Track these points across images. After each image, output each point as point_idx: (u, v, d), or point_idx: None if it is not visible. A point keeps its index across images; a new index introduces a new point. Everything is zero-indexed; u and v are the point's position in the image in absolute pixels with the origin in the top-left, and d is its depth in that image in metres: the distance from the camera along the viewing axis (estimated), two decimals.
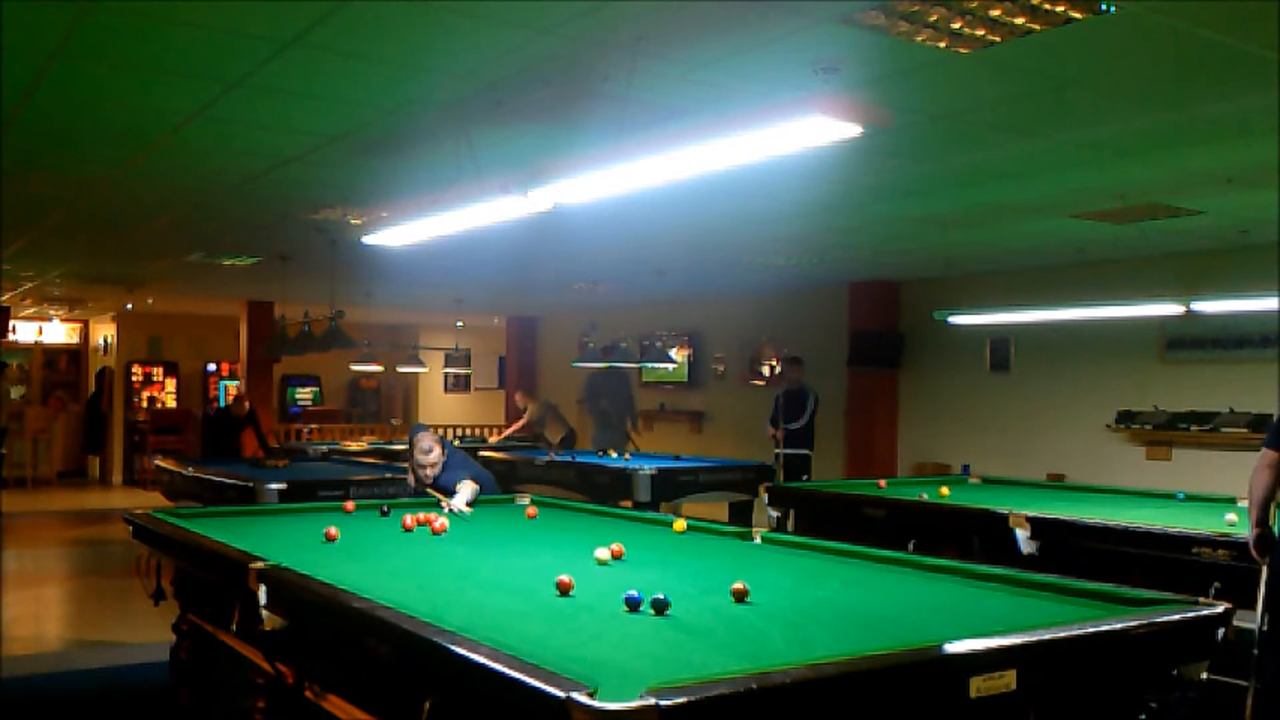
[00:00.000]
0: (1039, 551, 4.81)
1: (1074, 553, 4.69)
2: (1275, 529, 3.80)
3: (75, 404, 17.32)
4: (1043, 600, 2.94)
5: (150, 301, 13.83)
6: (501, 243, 7.93)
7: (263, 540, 3.84)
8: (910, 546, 4.46)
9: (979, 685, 2.17)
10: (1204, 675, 2.62)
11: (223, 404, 15.29)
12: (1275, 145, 4.96)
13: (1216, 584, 4.05)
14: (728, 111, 3.43)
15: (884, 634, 2.49)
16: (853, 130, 3.26)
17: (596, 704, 1.77)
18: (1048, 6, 3.38)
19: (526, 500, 5.32)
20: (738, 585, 2.86)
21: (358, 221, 7.21)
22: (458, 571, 3.45)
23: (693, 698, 1.82)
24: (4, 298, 13.44)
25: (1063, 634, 2.42)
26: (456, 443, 10.46)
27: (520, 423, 11.83)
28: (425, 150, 5.24)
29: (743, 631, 2.53)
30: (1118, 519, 4.81)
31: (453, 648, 2.20)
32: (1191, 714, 2.58)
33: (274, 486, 6.37)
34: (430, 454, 5.34)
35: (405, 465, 5.78)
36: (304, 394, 18.18)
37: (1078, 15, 3.43)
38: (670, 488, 7.84)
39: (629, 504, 7.19)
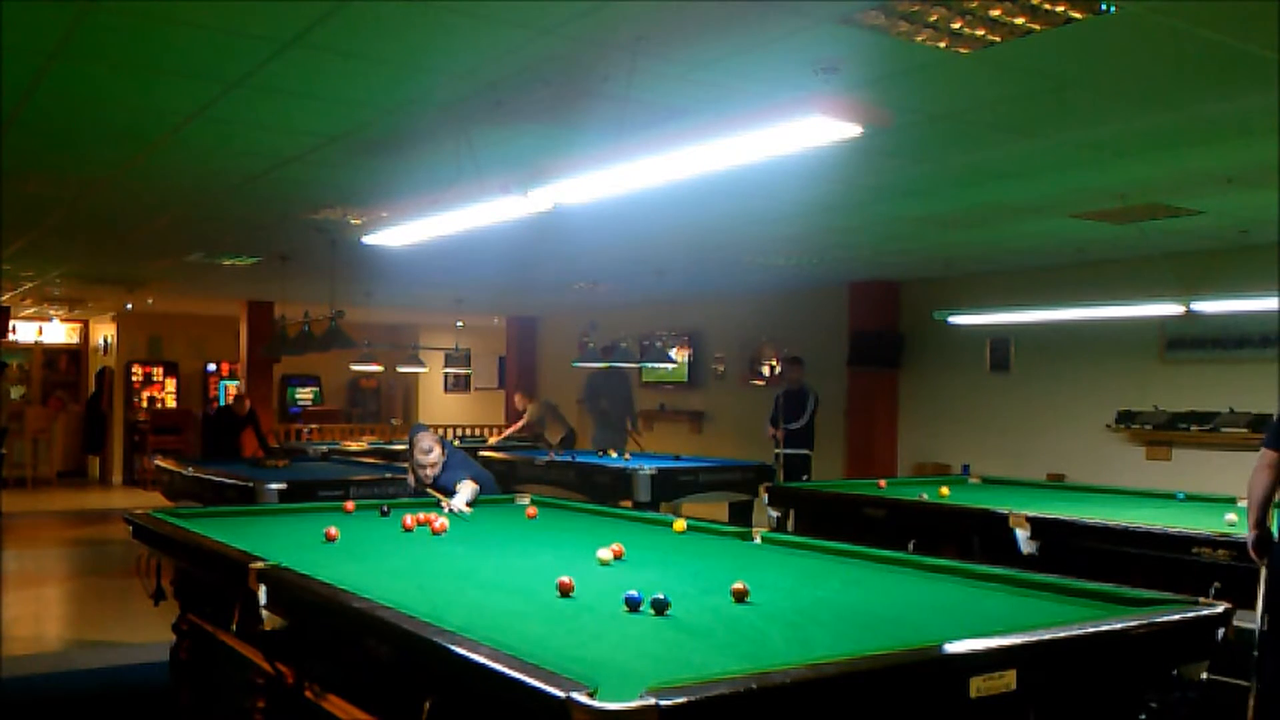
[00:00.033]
0: (1039, 551, 4.81)
1: (1074, 553, 4.69)
2: (1274, 530, 3.80)
3: (75, 404, 17.32)
4: (1043, 600, 2.94)
5: (150, 301, 13.83)
6: (501, 243, 7.93)
7: (263, 540, 3.84)
8: (910, 546, 4.46)
9: (979, 685, 2.17)
10: (1204, 675, 2.62)
11: (223, 403, 15.31)
12: (1275, 145, 4.96)
13: (1216, 584, 4.05)
14: (728, 111, 3.43)
15: (884, 634, 2.49)
16: (853, 130, 3.26)
17: (596, 704, 1.77)
18: (1048, 6, 3.38)
19: (526, 500, 5.32)
20: (738, 585, 2.86)
21: (358, 221, 7.21)
22: (458, 571, 3.45)
23: (693, 698, 1.82)
24: (4, 298, 13.44)
25: (1063, 634, 2.42)
26: (456, 443, 10.46)
27: (519, 424, 11.83)
28: (425, 150, 5.24)
29: (743, 631, 2.53)
30: (1118, 519, 4.81)
31: (453, 648, 2.20)
32: (1191, 714, 2.58)
33: (274, 486, 6.37)
34: (430, 454, 5.34)
35: (405, 465, 5.78)
36: (304, 394, 18.19)
37: (1078, 15, 3.43)
38: (670, 488, 7.84)
39: (629, 504, 7.19)
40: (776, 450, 9.55)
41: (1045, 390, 9.64)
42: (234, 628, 3.26)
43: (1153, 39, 3.69)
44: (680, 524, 4.34)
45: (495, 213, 4.72)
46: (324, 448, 10.86)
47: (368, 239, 6.04)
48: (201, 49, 3.89)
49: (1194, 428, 8.34)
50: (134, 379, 16.48)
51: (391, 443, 11.60)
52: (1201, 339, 8.46)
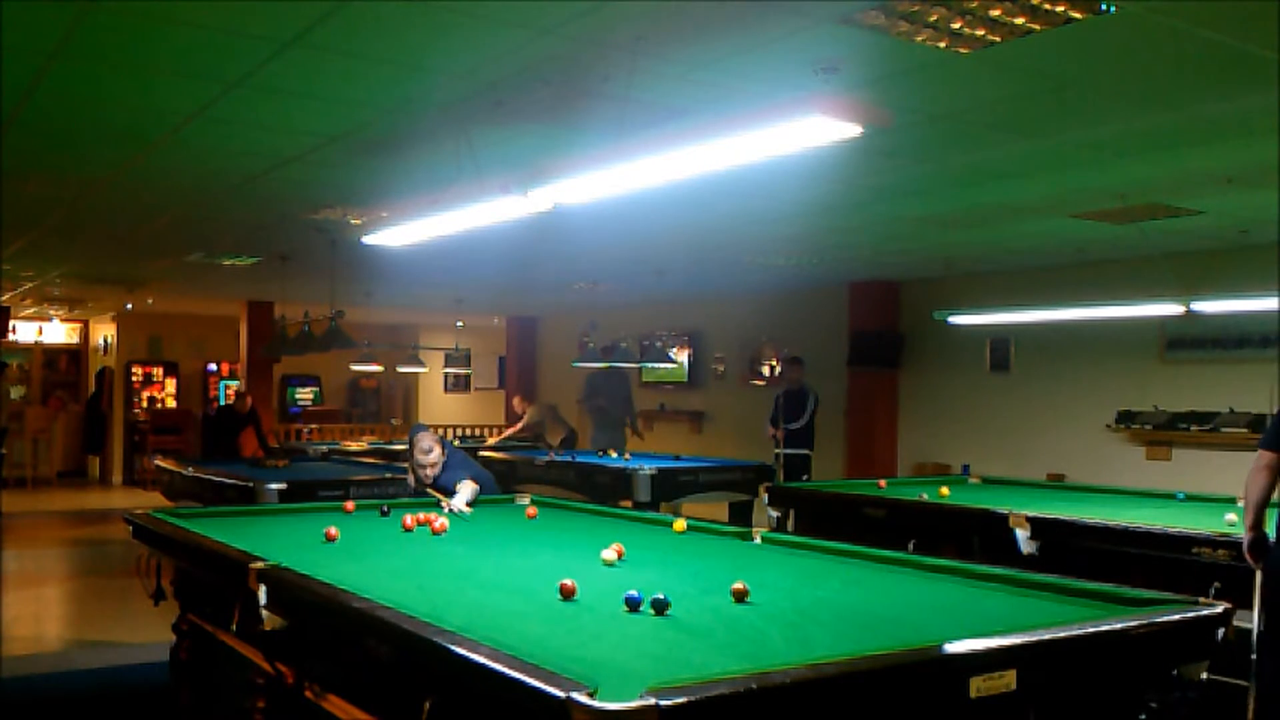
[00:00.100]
0: (1039, 551, 4.81)
1: (1074, 553, 4.69)
2: (1270, 531, 3.79)
3: (75, 404, 17.32)
4: (1043, 600, 2.94)
5: (150, 301, 13.83)
6: (501, 243, 7.93)
7: (263, 540, 3.84)
8: (910, 546, 4.46)
9: (979, 685, 2.17)
10: (1204, 675, 2.62)
11: (223, 403, 15.31)
12: (1275, 145, 4.96)
13: (1216, 584, 4.05)
14: (728, 111, 3.43)
15: (884, 634, 2.49)
16: (853, 130, 3.26)
17: (596, 704, 1.77)
18: (1048, 6, 3.38)
19: (526, 500, 5.32)
20: (738, 585, 2.86)
21: (358, 221, 7.21)
22: (458, 571, 3.45)
23: (693, 698, 1.82)
24: (4, 298, 13.44)
25: (1063, 634, 2.42)
26: (456, 443, 10.46)
27: (516, 426, 11.85)
28: (425, 150, 5.24)
29: (743, 631, 2.53)
30: (1118, 519, 4.81)
31: (453, 648, 2.20)
32: (1191, 714, 2.58)
33: (274, 486, 6.37)
34: (430, 454, 5.34)
35: (405, 465, 5.78)
36: (304, 394, 18.19)
37: (1078, 15, 3.43)
38: (670, 488, 7.84)
39: (629, 504, 7.19)
40: (776, 450, 9.54)
41: (1045, 390, 9.64)
42: (234, 628, 3.26)
43: (1153, 39, 3.69)
44: (680, 524, 4.34)
45: (495, 213, 4.72)
46: (324, 448, 10.86)
47: (368, 239, 6.04)
48: (201, 49, 3.89)
49: (1194, 428, 8.34)
50: (134, 379, 16.48)
51: (391, 443, 11.60)
52: (1201, 339, 8.46)
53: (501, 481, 6.76)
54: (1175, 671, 2.59)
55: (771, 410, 9.87)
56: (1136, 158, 5.36)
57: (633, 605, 2.71)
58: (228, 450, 10.76)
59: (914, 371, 10.85)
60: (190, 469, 7.93)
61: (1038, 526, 4.86)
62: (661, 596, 2.69)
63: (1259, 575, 3.78)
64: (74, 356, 17.84)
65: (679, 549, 3.92)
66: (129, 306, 14.40)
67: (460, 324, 15.73)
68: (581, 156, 3.92)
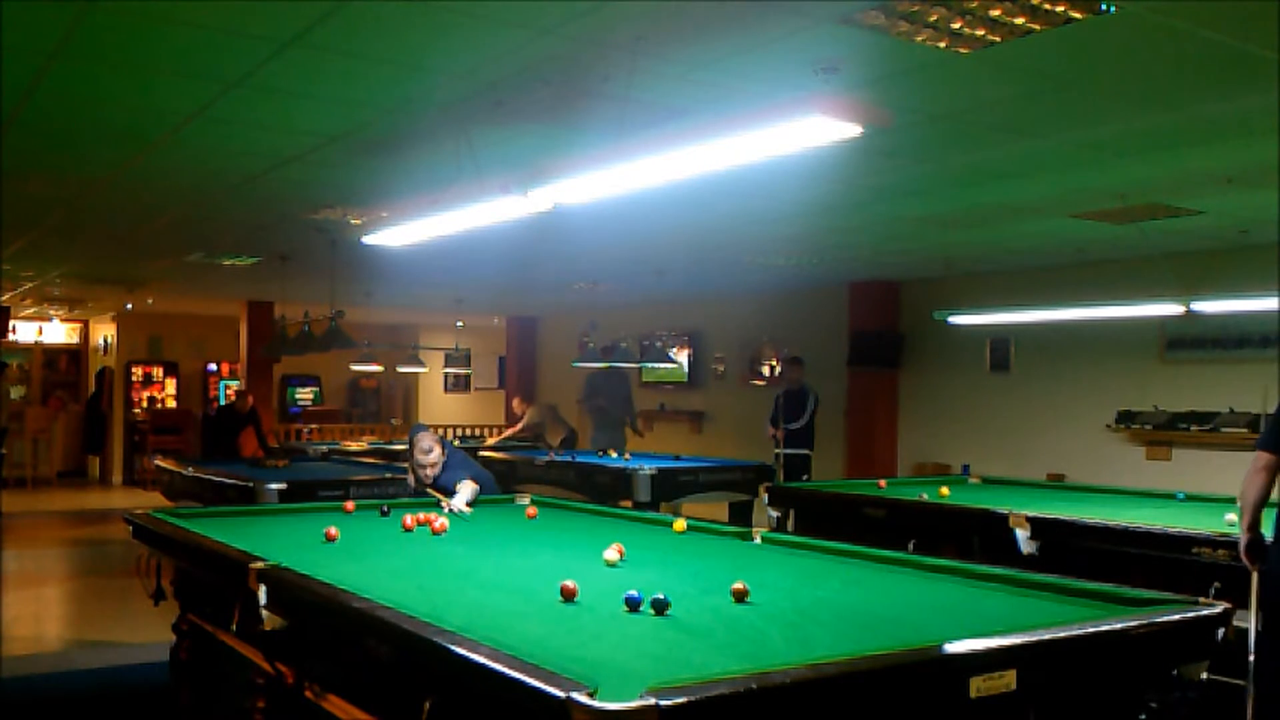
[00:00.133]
0: (1039, 551, 4.81)
1: (1074, 553, 4.69)
2: (1267, 533, 3.78)
3: (75, 404, 17.32)
4: (1043, 600, 2.94)
5: (150, 301, 13.83)
6: (501, 243, 7.93)
7: (263, 540, 3.84)
8: (910, 546, 4.46)
9: (979, 685, 2.17)
10: (1204, 675, 2.62)
11: (223, 403, 15.32)
12: (1275, 145, 4.96)
13: (1216, 584, 4.04)
14: (728, 111, 3.43)
15: (884, 634, 2.49)
16: (853, 130, 3.26)
17: (596, 704, 1.77)
18: (1048, 6, 3.38)
19: (526, 500, 5.32)
20: (738, 585, 2.86)
21: (358, 221, 7.21)
22: (458, 571, 3.45)
23: (693, 698, 1.82)
24: (4, 298, 13.44)
25: (1063, 634, 2.42)
26: (456, 443, 10.46)
27: (515, 428, 11.86)
28: (425, 150, 5.24)
29: (743, 631, 2.53)
30: (1118, 519, 4.81)
31: (453, 648, 2.20)
32: (1191, 714, 2.58)
33: (274, 486, 6.37)
34: (430, 454, 5.34)
35: (405, 465, 5.78)
36: (304, 394, 18.19)
37: (1078, 15, 3.43)
38: (670, 488, 7.84)
39: (629, 504, 7.19)
40: (776, 450, 9.54)
41: (1045, 390, 9.64)
42: (234, 628, 3.26)
43: (1153, 39, 3.69)
44: (680, 524, 4.34)
45: (495, 213, 4.72)
46: (324, 448, 10.86)
47: (368, 239, 6.04)
48: (201, 49, 3.89)
49: (1194, 428, 8.34)
50: (134, 379, 16.48)
51: (391, 443, 11.60)
52: (1201, 339, 8.46)
53: (501, 481, 6.76)
54: (1175, 671, 2.59)
55: (771, 410, 9.87)
56: (1136, 158, 5.36)
57: (633, 605, 2.71)
58: (228, 450, 10.77)
59: (914, 371, 10.85)
60: (190, 469, 7.93)
61: (1038, 526, 4.86)
62: (661, 596, 2.69)
63: (1255, 577, 3.78)
64: (74, 356, 17.84)
65: (679, 549, 3.92)
66: (129, 306, 14.40)
67: (460, 324, 15.73)
68: (581, 156, 3.92)
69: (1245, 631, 3.67)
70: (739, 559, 3.67)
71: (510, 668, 2.02)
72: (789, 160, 4.09)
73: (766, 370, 12.47)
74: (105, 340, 16.90)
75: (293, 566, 3.15)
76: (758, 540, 4.03)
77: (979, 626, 2.46)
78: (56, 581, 8.70)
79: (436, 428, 9.43)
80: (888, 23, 3.51)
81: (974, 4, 3.37)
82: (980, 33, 3.61)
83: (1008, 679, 2.21)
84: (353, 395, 19.37)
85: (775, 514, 6.27)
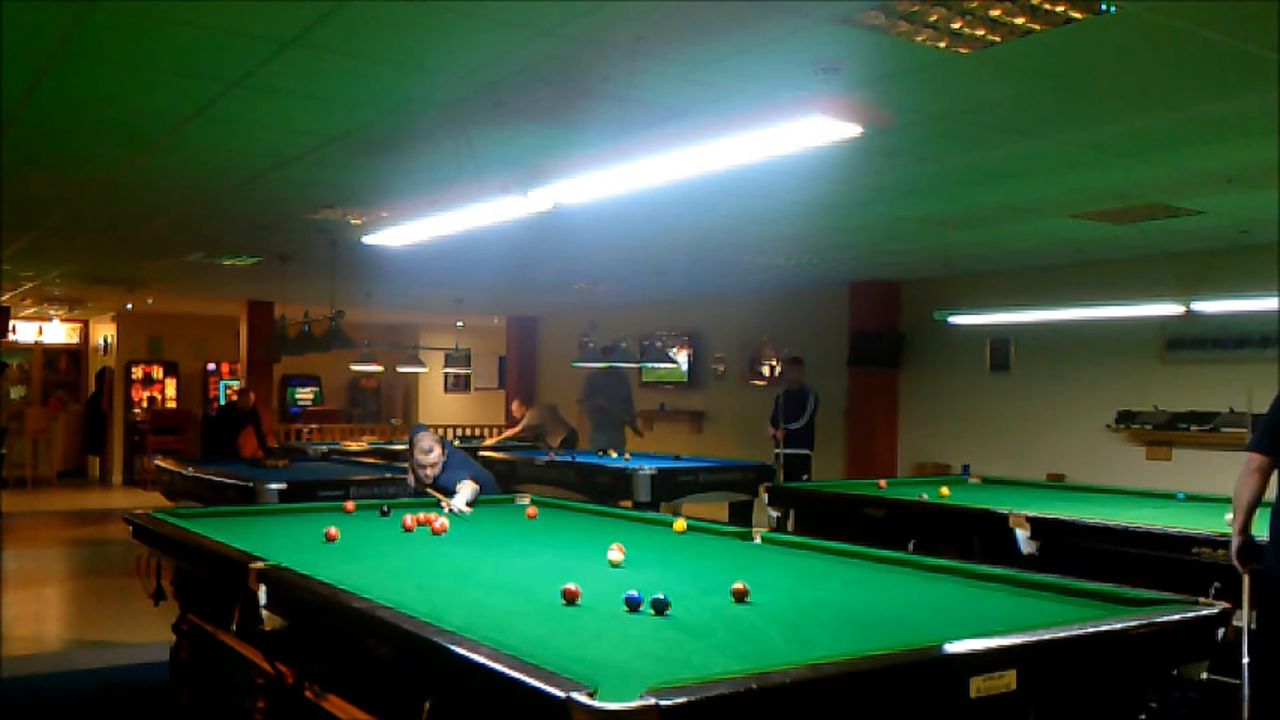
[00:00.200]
0: (1039, 551, 4.81)
1: (1074, 553, 4.69)
2: (1258, 534, 3.78)
3: (75, 404, 17.32)
4: (1043, 600, 2.94)
5: (150, 301, 13.84)
6: (501, 243, 7.93)
7: (263, 540, 3.84)
8: (910, 546, 4.46)
9: (979, 685, 2.17)
10: (1204, 675, 2.62)
11: (224, 402, 15.32)
12: (1275, 145, 4.97)
13: (1216, 584, 4.04)
14: (728, 111, 3.44)
15: (884, 634, 2.49)
16: (853, 130, 3.26)
17: (596, 704, 1.77)
18: (1048, 6, 3.38)
19: (526, 500, 5.32)
20: (738, 585, 2.86)
21: (358, 221, 7.21)
22: (458, 571, 3.45)
23: (693, 698, 1.82)
24: (4, 298, 13.44)
25: (1063, 634, 2.42)
26: (456, 443, 10.46)
27: (514, 429, 11.86)
28: (425, 150, 5.24)
29: (743, 631, 2.53)
30: (1118, 519, 4.81)
31: (453, 648, 2.20)
32: (1191, 714, 2.58)
33: (274, 486, 6.37)
34: (430, 454, 5.34)
35: (405, 465, 5.78)
36: (304, 394, 18.19)
37: (1078, 15, 3.43)
38: (670, 488, 7.84)
39: (629, 504, 7.19)
40: (776, 450, 9.54)
41: (1045, 390, 9.64)
42: (234, 628, 3.26)
43: (1153, 39, 3.69)
44: (680, 524, 4.34)
45: (495, 213, 4.72)
46: (324, 448, 10.86)
47: (368, 239, 6.04)
48: (201, 49, 3.89)
49: (1194, 428, 8.34)
50: (134, 379, 16.48)
51: (391, 443, 11.60)
52: (1201, 339, 8.46)
53: (501, 481, 6.76)
54: (1175, 671, 2.59)
55: (771, 410, 9.87)
56: (1136, 158, 5.36)
57: (633, 605, 2.71)
58: (228, 450, 10.77)
59: (914, 371, 10.85)
60: (190, 469, 7.93)
61: (1038, 526, 4.86)
62: (661, 596, 2.69)
63: (1246, 580, 3.77)
64: (74, 356, 17.84)
65: (679, 549, 3.92)
66: (129, 306, 14.40)
67: (460, 324, 15.74)
68: (581, 156, 3.92)
69: (1241, 631, 3.67)
70: (739, 559, 3.67)
71: (510, 668, 2.02)
72: (789, 160, 4.09)
73: (766, 370, 12.47)
74: (105, 340, 16.91)
75: (293, 566, 3.15)
76: (758, 540, 4.02)
77: (979, 626, 2.46)
78: (56, 581, 8.70)
79: (436, 428, 9.42)
80: (888, 23, 3.51)
81: (974, 4, 3.37)
82: (980, 33, 3.61)
83: (1008, 679, 2.21)
84: (353, 395, 19.38)
85: (775, 514, 6.27)
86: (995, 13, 3.43)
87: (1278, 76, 3.98)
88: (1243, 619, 3.72)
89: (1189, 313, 7.10)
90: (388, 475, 7.03)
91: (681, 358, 13.48)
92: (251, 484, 6.49)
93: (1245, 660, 3.68)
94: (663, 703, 1.77)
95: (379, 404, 19.59)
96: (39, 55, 3.99)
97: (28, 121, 4.93)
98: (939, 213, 6.99)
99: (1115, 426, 8.94)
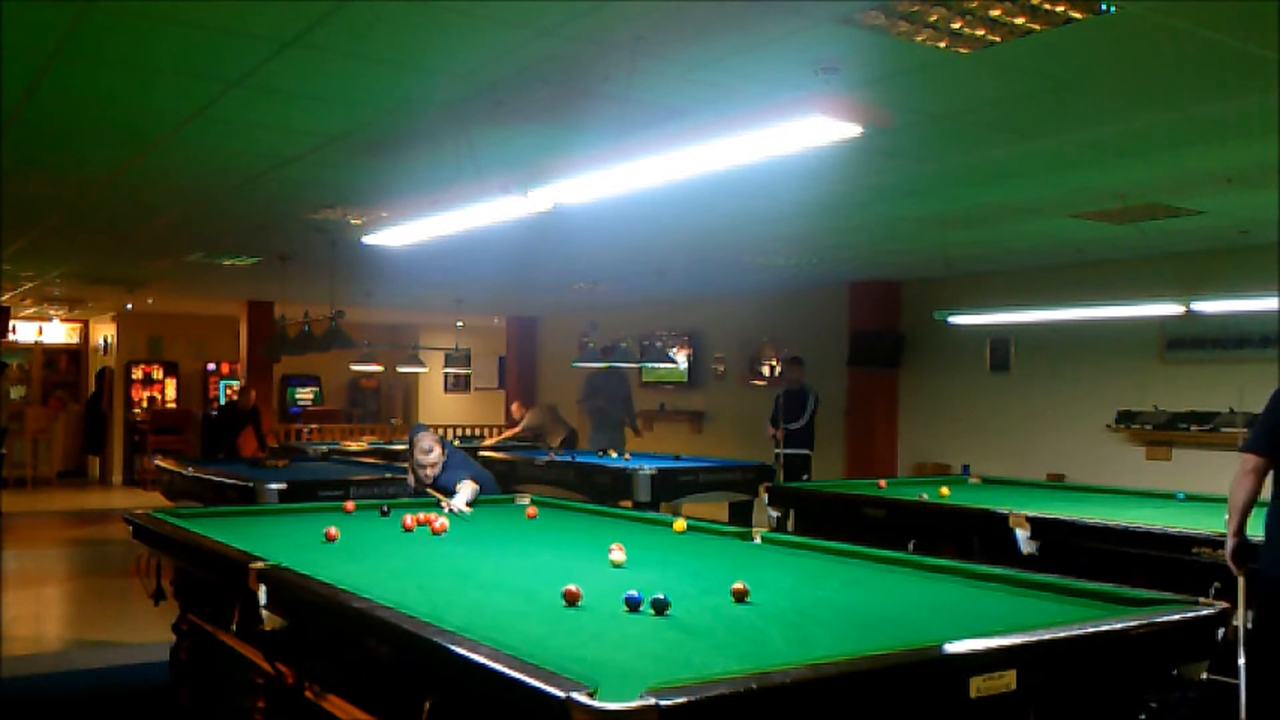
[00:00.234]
0: (1039, 551, 4.81)
1: (1074, 553, 4.69)
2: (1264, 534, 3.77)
3: (75, 404, 17.32)
4: (1043, 600, 2.94)
5: (150, 301, 13.84)
6: (501, 243, 7.93)
7: (263, 540, 3.84)
8: (910, 546, 4.46)
9: (979, 685, 2.17)
10: (1204, 675, 2.62)
11: (224, 401, 15.32)
12: (1275, 145, 4.97)
13: (1216, 584, 4.04)
14: (728, 111, 3.44)
15: (884, 634, 2.49)
16: (853, 130, 3.26)
17: (596, 704, 1.77)
18: (1048, 6, 3.38)
19: (526, 500, 5.32)
20: (738, 585, 2.86)
21: (358, 221, 7.21)
22: (458, 571, 3.45)
23: (693, 698, 1.82)
24: (4, 298, 13.44)
25: (1063, 634, 2.42)
26: (456, 443, 10.46)
27: (513, 430, 11.86)
28: (425, 150, 5.24)
29: (743, 631, 2.53)
30: (1118, 519, 4.81)
31: (453, 648, 2.20)
32: (1191, 714, 2.58)
33: (274, 486, 6.37)
34: (430, 454, 5.34)
35: (405, 465, 5.78)
36: (304, 394, 18.19)
37: (1078, 15, 3.43)
38: (670, 488, 7.84)
39: (629, 504, 7.19)
40: (776, 450, 9.55)
41: (1045, 390, 9.64)
42: (234, 628, 3.26)
43: (1153, 39, 3.69)
44: (680, 524, 4.34)
45: (495, 213, 4.72)
46: (324, 448, 10.86)
47: (368, 239, 6.04)
48: (201, 49, 3.89)
49: (1194, 428, 8.34)
50: (134, 379, 16.48)
51: (391, 443, 11.60)
52: (1201, 339, 8.46)
53: (501, 481, 6.76)
54: (1175, 671, 2.59)
55: (771, 410, 9.87)
56: (1136, 158, 5.36)
57: (633, 605, 2.71)
58: (228, 450, 10.77)
59: (914, 371, 10.85)
60: (190, 469, 7.93)
61: (1038, 526, 4.86)
62: (661, 596, 2.69)
63: (1240, 582, 3.77)
64: (74, 356, 17.84)
65: (679, 549, 3.92)
66: (129, 306, 14.40)
67: (460, 324, 15.74)
68: (581, 156, 3.92)
69: (1238, 631, 3.67)
70: (739, 559, 3.67)
71: (510, 668, 2.02)
72: (789, 160, 4.09)
73: (766, 370, 12.47)
74: (105, 340, 16.90)
75: (293, 566, 3.15)
76: (758, 540, 4.02)
77: (979, 626, 2.46)
78: (56, 581, 8.70)
79: (436, 428, 9.42)
80: (888, 23, 3.51)
81: (974, 4, 3.37)
82: (980, 33, 3.61)
83: (1008, 679, 2.21)
84: (353, 395, 19.37)
85: (775, 514, 6.27)
86: (995, 13, 3.43)
87: (1278, 76, 3.97)
88: (1238, 619, 3.72)
89: (1189, 313, 7.11)
90: (388, 475, 7.03)
91: (681, 358, 13.48)
92: (251, 484, 6.49)
93: (1241, 661, 3.68)
94: (663, 703, 1.77)
95: (379, 404, 19.58)
96: (39, 55, 3.99)
97: (28, 121, 4.93)
98: (939, 213, 6.99)
99: (1115, 426, 8.94)
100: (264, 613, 3.02)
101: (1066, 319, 8.68)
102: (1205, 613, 2.66)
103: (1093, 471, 8.75)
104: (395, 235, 5.71)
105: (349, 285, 10.62)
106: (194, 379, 16.99)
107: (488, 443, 11.85)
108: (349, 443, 11.97)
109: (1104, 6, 3.36)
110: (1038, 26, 3.54)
